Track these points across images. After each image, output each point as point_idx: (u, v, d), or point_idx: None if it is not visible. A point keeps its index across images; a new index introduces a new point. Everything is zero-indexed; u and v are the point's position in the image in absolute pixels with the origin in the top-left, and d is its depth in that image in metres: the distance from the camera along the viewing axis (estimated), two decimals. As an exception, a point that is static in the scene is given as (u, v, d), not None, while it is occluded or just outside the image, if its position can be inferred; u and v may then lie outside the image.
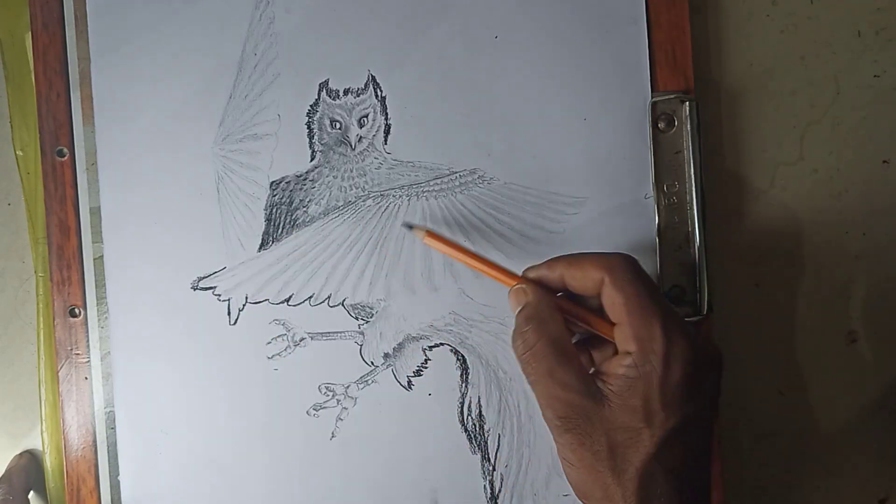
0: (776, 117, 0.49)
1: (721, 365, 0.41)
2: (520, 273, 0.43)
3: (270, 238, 0.49)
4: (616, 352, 0.40)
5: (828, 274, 0.49)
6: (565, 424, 0.39)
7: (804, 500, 0.50)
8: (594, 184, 0.48)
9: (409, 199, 0.48)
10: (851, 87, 0.49)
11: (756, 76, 0.49)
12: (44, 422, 0.51)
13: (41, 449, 0.52)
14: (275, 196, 0.49)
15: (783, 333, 0.49)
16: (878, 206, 0.49)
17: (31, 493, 0.52)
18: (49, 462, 0.51)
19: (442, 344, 0.48)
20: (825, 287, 0.49)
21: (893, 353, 0.49)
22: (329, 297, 0.48)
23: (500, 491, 0.48)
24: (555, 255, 0.42)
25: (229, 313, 0.49)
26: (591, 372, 0.40)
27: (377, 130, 0.48)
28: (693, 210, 0.47)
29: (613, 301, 0.39)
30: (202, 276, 0.49)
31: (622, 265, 0.39)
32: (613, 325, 0.40)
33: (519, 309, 0.42)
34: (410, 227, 0.47)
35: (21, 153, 0.51)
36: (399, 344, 0.48)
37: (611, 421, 0.38)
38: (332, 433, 0.49)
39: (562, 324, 0.41)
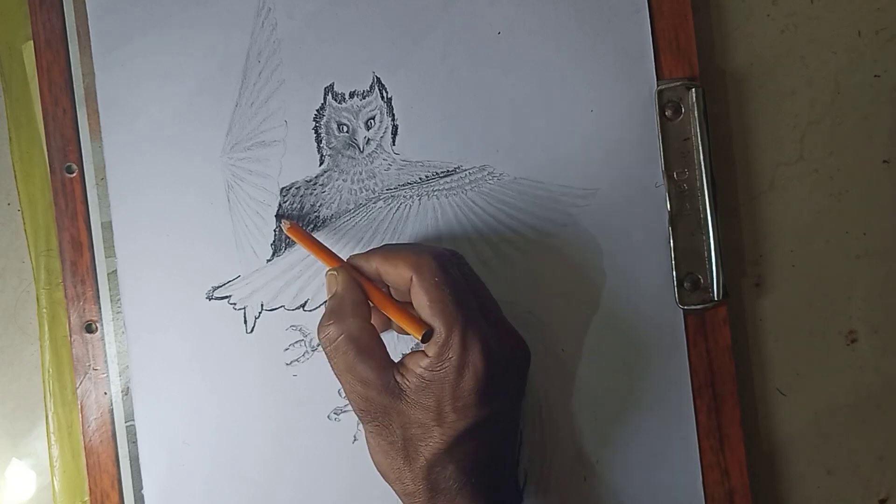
0: (776, 117, 0.49)
1: (527, 363, 0.43)
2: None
3: (283, 244, 0.49)
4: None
5: (828, 274, 0.49)
6: (364, 416, 0.41)
7: (804, 500, 0.50)
8: (604, 175, 0.48)
9: (419, 199, 0.48)
10: (851, 87, 0.49)
11: (756, 76, 0.49)
12: (52, 433, 0.51)
13: (48, 462, 0.52)
14: (286, 202, 0.49)
15: (783, 333, 0.49)
16: (878, 206, 0.49)
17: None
18: (57, 475, 0.51)
19: (460, 342, 0.48)
20: (825, 287, 0.49)
21: (893, 353, 0.49)
22: (344, 301, 0.48)
23: (524, 486, 0.48)
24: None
25: (245, 321, 0.49)
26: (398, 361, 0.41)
27: (385, 132, 0.48)
28: (704, 196, 0.47)
29: (419, 302, 0.40)
30: (216, 285, 0.49)
31: (430, 266, 0.40)
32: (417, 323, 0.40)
33: (328, 297, 0.43)
34: (282, 216, 0.48)
35: (19, 163, 0.51)
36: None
37: (406, 415, 0.40)
38: (354, 436, 0.49)
39: (364, 319, 0.42)
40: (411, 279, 0.40)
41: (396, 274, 0.41)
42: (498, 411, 0.40)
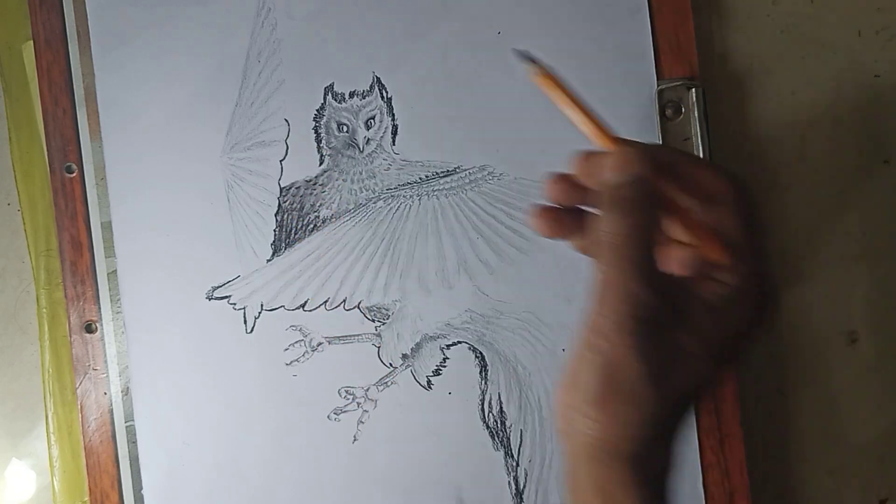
0: (776, 117, 0.49)
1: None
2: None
3: (283, 244, 0.49)
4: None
5: (828, 274, 0.49)
6: (635, 326, 0.32)
7: (805, 500, 0.50)
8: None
9: (419, 199, 0.48)
10: (851, 87, 0.49)
11: (756, 76, 0.49)
12: (52, 433, 0.51)
13: (48, 462, 0.52)
14: (285, 202, 0.49)
15: (783, 333, 0.49)
16: (878, 206, 0.49)
17: None
18: (57, 475, 0.51)
19: (460, 342, 0.48)
20: (825, 287, 0.49)
21: (893, 353, 0.49)
22: (344, 301, 0.48)
23: (524, 486, 0.48)
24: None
25: (245, 321, 0.49)
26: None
27: (384, 131, 0.48)
28: (704, 196, 0.47)
29: (729, 223, 0.33)
30: (216, 285, 0.49)
31: (747, 190, 0.34)
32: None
33: (621, 178, 0.33)
34: (528, 58, 0.38)
35: (19, 163, 0.51)
36: (417, 344, 0.48)
37: (679, 340, 0.32)
38: (354, 436, 0.49)
39: (659, 218, 0.34)
40: (722, 193, 0.33)
41: (703, 179, 0.33)
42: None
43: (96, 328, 0.50)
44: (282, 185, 0.49)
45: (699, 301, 0.33)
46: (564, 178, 0.37)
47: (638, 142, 0.35)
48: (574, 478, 0.33)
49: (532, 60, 0.38)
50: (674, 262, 0.35)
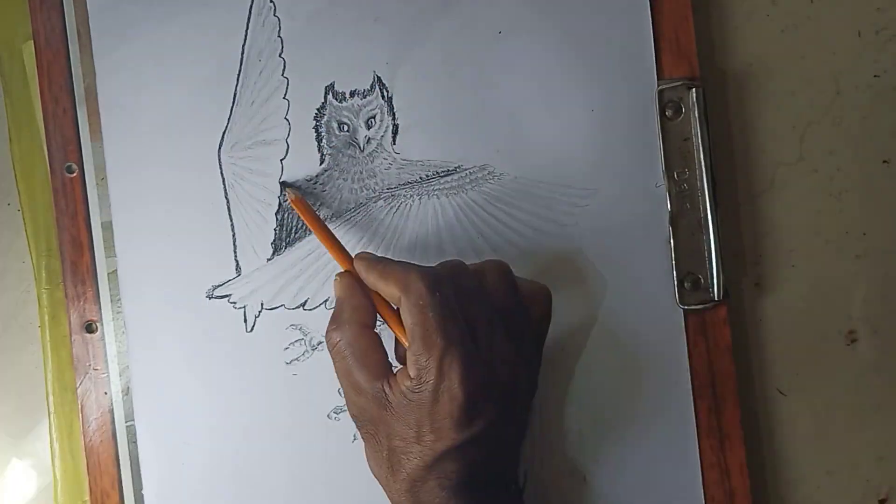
0: (776, 117, 0.49)
1: (533, 387, 0.43)
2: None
3: (283, 243, 0.49)
4: None
5: (828, 274, 0.49)
6: (356, 421, 0.42)
7: (804, 500, 0.50)
8: (604, 175, 0.48)
9: (419, 199, 0.48)
10: (851, 87, 0.49)
11: (756, 76, 0.49)
12: (53, 432, 0.51)
13: (49, 463, 0.52)
14: (286, 200, 0.49)
15: (783, 333, 0.49)
16: (878, 206, 0.49)
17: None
18: (58, 475, 0.51)
19: (460, 341, 0.48)
20: (825, 287, 0.49)
21: (893, 353, 0.49)
22: (345, 300, 0.48)
23: (524, 486, 0.48)
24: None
25: (245, 321, 0.49)
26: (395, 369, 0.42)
27: (385, 131, 0.48)
28: (704, 196, 0.47)
29: (405, 322, 0.40)
30: (216, 284, 0.49)
31: (417, 287, 0.40)
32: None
33: (335, 300, 0.44)
34: (285, 185, 0.48)
35: (19, 163, 0.52)
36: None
37: (391, 427, 0.40)
38: (354, 436, 0.49)
39: (362, 324, 0.42)
40: (399, 299, 0.40)
41: (388, 291, 0.41)
42: (479, 434, 0.40)
43: (97, 328, 0.50)
44: (282, 182, 0.49)
45: (399, 392, 0.40)
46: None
47: (363, 259, 0.43)
48: None
49: (288, 186, 0.48)
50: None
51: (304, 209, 0.46)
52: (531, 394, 0.44)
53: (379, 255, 0.48)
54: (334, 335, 0.42)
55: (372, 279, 0.42)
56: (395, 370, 0.41)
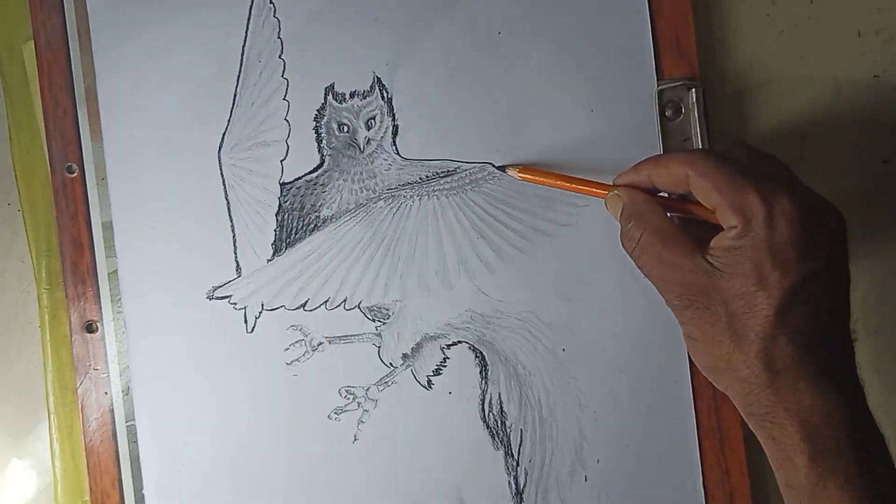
0: (776, 117, 0.49)
1: (841, 222, 0.40)
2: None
3: (283, 244, 0.49)
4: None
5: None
6: (683, 302, 0.40)
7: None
8: (604, 175, 0.47)
9: (420, 199, 0.48)
10: (851, 87, 0.49)
11: (756, 76, 0.49)
12: (53, 432, 0.51)
13: (50, 461, 0.52)
14: (286, 201, 0.49)
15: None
16: (878, 206, 0.49)
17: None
18: (58, 475, 0.51)
19: (460, 342, 0.48)
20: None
21: (893, 353, 0.49)
22: (345, 301, 0.49)
23: (524, 486, 0.48)
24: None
25: (246, 321, 0.49)
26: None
27: (385, 132, 0.48)
28: (704, 196, 0.47)
29: (704, 190, 0.39)
30: (217, 285, 0.49)
31: (702, 156, 0.40)
32: (713, 211, 0.40)
33: (619, 212, 0.43)
34: (503, 168, 0.48)
35: (20, 163, 0.52)
36: (417, 344, 0.48)
37: (726, 290, 0.38)
38: (355, 436, 0.49)
39: (661, 212, 0.41)
40: (687, 175, 0.39)
41: (669, 175, 0.41)
42: (821, 269, 0.38)
43: (97, 328, 0.50)
44: (282, 182, 0.49)
45: (722, 250, 0.39)
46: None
47: (623, 173, 0.43)
48: None
49: (508, 167, 0.48)
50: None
51: (535, 174, 0.46)
52: (847, 282, 0.40)
53: (380, 255, 0.49)
54: (634, 230, 0.41)
55: (646, 173, 0.42)
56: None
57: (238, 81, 0.49)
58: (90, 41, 0.50)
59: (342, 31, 0.49)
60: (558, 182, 0.46)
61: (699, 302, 0.39)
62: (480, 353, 0.48)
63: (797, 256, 0.37)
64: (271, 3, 0.49)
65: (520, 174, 0.47)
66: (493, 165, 0.48)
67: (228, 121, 0.49)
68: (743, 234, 0.38)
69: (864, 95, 0.49)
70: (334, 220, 0.49)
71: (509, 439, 0.48)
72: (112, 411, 0.50)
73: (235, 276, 0.49)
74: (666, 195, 0.43)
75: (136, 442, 0.49)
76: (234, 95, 0.49)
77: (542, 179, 0.46)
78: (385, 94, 0.48)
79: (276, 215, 0.49)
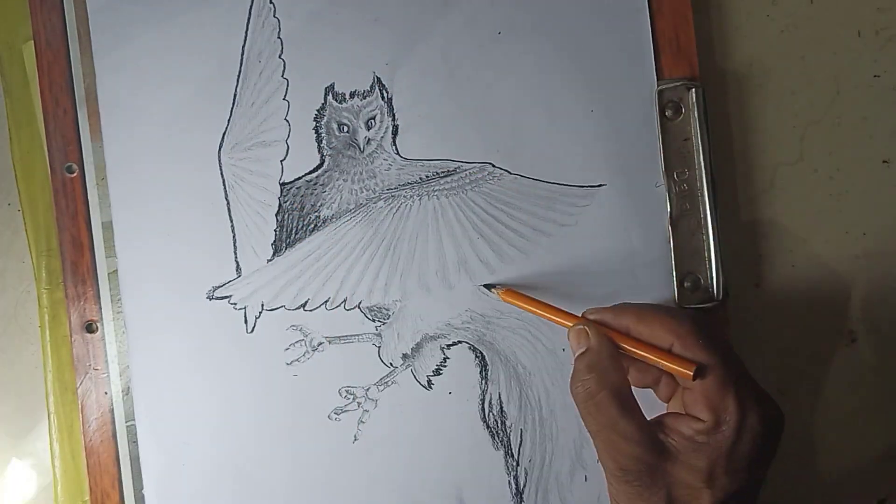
0: (776, 117, 0.49)
1: (782, 426, 0.41)
2: (580, 314, 0.43)
3: (283, 244, 0.49)
4: (684, 404, 0.40)
5: (827, 274, 0.49)
6: (626, 476, 0.39)
7: (804, 500, 0.50)
8: (604, 175, 0.48)
9: (420, 199, 0.48)
10: (851, 87, 0.49)
11: (756, 76, 0.49)
12: (53, 432, 0.51)
13: (49, 461, 0.52)
14: (286, 201, 0.49)
15: (783, 333, 0.49)
16: (878, 206, 0.49)
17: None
18: (58, 475, 0.51)
19: (460, 342, 0.48)
20: (825, 287, 0.49)
21: (893, 353, 0.49)
22: (345, 301, 0.49)
23: (524, 486, 0.48)
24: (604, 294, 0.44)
25: (246, 321, 0.49)
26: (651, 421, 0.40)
27: (385, 132, 0.48)
28: (704, 196, 0.47)
29: (694, 358, 0.39)
30: (217, 285, 0.49)
31: (692, 330, 0.39)
32: (673, 368, 0.39)
33: (580, 352, 0.41)
34: (490, 287, 0.47)
35: (20, 163, 0.52)
36: (417, 344, 0.48)
37: (673, 476, 0.38)
38: (355, 436, 0.49)
39: (624, 373, 0.40)
40: (672, 344, 0.39)
41: (652, 336, 0.40)
42: (762, 478, 0.39)
43: (97, 328, 0.50)
44: (282, 182, 0.49)
45: (681, 437, 0.38)
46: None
47: (599, 309, 0.42)
48: None
49: (491, 287, 0.47)
50: (644, 379, 0.42)
51: (516, 297, 0.46)
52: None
53: (380, 255, 0.48)
54: (593, 385, 0.39)
55: (626, 322, 0.41)
56: (664, 415, 0.40)
57: (238, 81, 0.49)
58: (90, 41, 0.50)
59: (342, 31, 0.49)
60: (533, 308, 0.45)
61: (641, 480, 0.38)
62: (480, 353, 0.48)
63: (749, 467, 0.38)
64: (271, 3, 0.49)
65: (503, 297, 0.46)
66: (493, 165, 0.48)
67: (228, 121, 0.49)
68: (710, 432, 0.38)
69: (864, 95, 0.49)
70: (334, 220, 0.49)
71: (509, 439, 0.48)
72: (112, 411, 0.50)
73: (235, 276, 0.49)
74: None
75: (135, 442, 0.50)
76: (234, 95, 0.49)
77: (522, 305, 0.46)
78: (385, 94, 0.48)
79: (276, 215, 0.49)
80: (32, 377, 0.53)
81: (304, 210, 0.49)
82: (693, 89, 0.46)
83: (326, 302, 0.49)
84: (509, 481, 0.48)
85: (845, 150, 0.49)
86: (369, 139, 0.48)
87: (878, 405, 0.49)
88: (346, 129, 0.49)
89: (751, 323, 0.49)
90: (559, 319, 0.44)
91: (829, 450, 0.50)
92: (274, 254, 0.49)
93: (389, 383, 0.49)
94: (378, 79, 0.48)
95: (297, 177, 0.49)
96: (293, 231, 0.49)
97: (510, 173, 0.48)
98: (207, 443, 0.49)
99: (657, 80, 0.47)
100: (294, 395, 0.49)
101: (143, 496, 0.49)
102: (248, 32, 0.49)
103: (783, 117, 0.49)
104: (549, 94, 0.48)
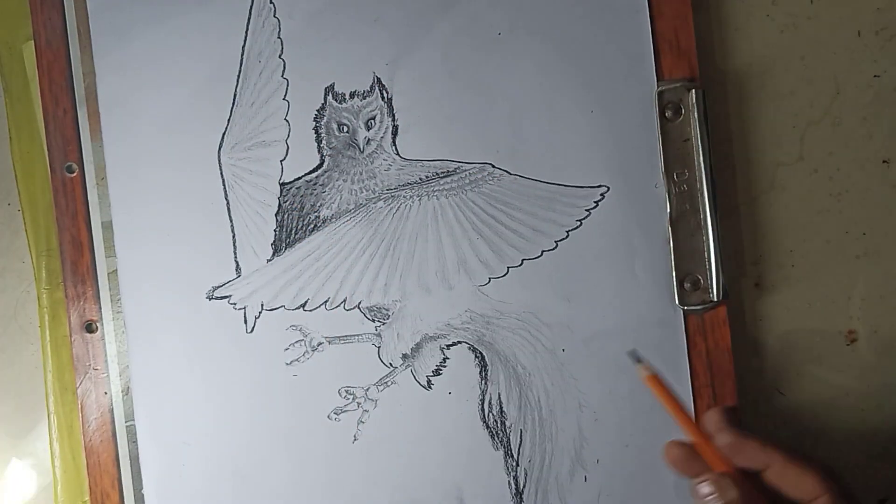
0: (776, 117, 0.49)
1: None
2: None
3: (283, 244, 0.49)
4: None
5: (828, 274, 0.49)
6: None
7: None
8: (604, 176, 0.48)
9: (419, 200, 0.48)
10: (851, 87, 0.49)
11: (756, 76, 0.49)
12: (53, 432, 0.51)
13: (49, 461, 0.52)
14: (286, 201, 0.49)
15: (783, 333, 0.49)
16: (878, 206, 0.49)
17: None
18: (59, 474, 0.51)
19: (460, 342, 0.48)
20: (825, 287, 0.49)
21: (893, 353, 0.49)
22: (345, 301, 0.49)
23: (524, 486, 0.48)
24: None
25: (246, 321, 0.49)
26: None
27: (385, 132, 0.48)
28: (704, 197, 0.47)
29: None
30: (217, 285, 0.49)
31: (841, 489, 0.39)
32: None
33: (719, 500, 0.40)
34: (639, 359, 0.46)
35: (20, 163, 0.52)
36: (417, 344, 0.48)
37: None
38: (354, 436, 0.49)
39: None
40: (818, 497, 0.39)
41: (798, 484, 0.40)
42: None
43: (97, 328, 0.50)
44: (282, 182, 0.49)
45: None
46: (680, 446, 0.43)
47: (745, 439, 0.41)
48: None
49: (640, 361, 0.46)
50: None
51: (657, 386, 0.45)
52: None
53: (380, 255, 0.48)
54: None
55: (774, 464, 0.40)
56: None
57: (238, 81, 0.49)
58: (90, 41, 0.50)
59: (342, 31, 0.49)
60: (669, 408, 0.44)
61: None
62: (480, 353, 0.48)
63: None
64: (271, 3, 0.49)
65: (646, 379, 0.45)
66: (493, 166, 0.48)
67: (228, 121, 0.49)
68: None
69: (863, 95, 0.49)
70: (334, 220, 0.49)
71: (509, 439, 0.48)
72: (112, 411, 0.50)
73: (235, 276, 0.49)
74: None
75: (135, 442, 0.50)
76: (234, 95, 0.49)
77: (660, 397, 0.45)
78: (385, 95, 0.48)
79: (275, 215, 0.49)
80: (32, 377, 0.53)
81: (304, 210, 0.49)
82: (693, 90, 0.46)
83: (326, 302, 0.49)
84: (509, 481, 0.48)
85: (845, 149, 0.49)
86: (369, 139, 0.48)
87: (878, 405, 0.49)
88: (345, 129, 0.49)
89: (751, 323, 0.49)
90: (690, 431, 0.43)
91: (828, 450, 0.50)
92: (274, 254, 0.49)
93: (389, 383, 0.49)
94: (378, 79, 0.48)
95: (296, 177, 0.49)
96: (293, 231, 0.49)
97: (510, 174, 0.48)
98: (207, 443, 0.49)
99: (657, 80, 0.47)
100: (294, 395, 0.49)
101: (142, 496, 0.49)
102: (248, 32, 0.49)
103: (783, 117, 0.49)
104: (549, 95, 0.48)
